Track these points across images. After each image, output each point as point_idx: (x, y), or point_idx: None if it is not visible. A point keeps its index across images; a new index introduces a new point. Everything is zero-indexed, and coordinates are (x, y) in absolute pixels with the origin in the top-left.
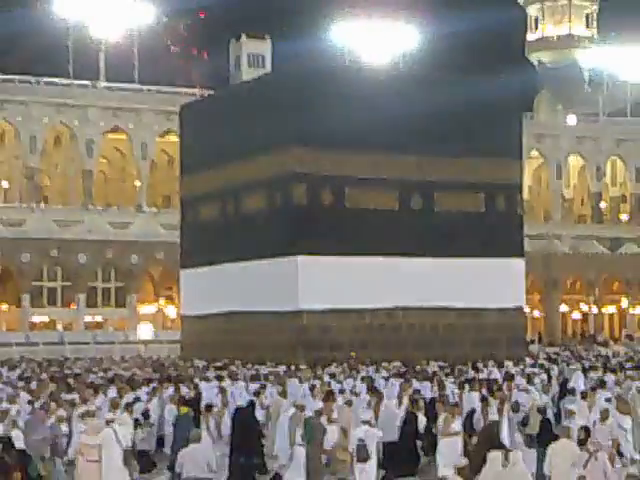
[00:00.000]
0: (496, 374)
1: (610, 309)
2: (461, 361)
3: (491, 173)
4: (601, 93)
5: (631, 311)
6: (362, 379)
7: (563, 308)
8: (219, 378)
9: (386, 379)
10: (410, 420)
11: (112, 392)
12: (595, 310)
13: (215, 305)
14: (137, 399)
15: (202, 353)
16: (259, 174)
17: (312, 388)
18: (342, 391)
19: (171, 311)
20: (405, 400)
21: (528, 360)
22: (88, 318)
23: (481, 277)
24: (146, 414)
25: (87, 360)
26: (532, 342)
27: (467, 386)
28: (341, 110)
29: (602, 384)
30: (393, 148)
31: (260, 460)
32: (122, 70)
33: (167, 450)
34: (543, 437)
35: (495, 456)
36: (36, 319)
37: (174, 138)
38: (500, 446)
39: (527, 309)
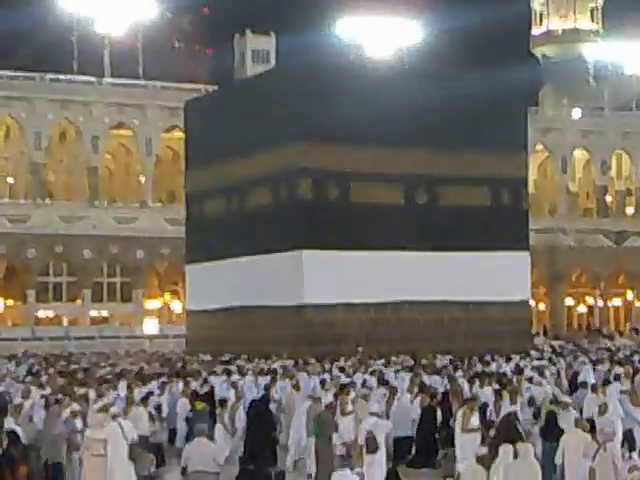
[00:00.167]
0: (505, 368)
1: (615, 302)
2: (467, 354)
3: (496, 167)
4: (606, 87)
5: (637, 304)
6: (371, 373)
7: (568, 301)
8: (228, 372)
9: (396, 372)
10: (428, 413)
11: (122, 387)
12: (601, 303)
13: (220, 300)
14: (150, 393)
15: (207, 348)
16: (264, 169)
17: (322, 382)
18: (353, 384)
19: (176, 306)
20: (415, 392)
21: (534, 353)
22: (94, 313)
23: (486, 271)
24: (159, 408)
25: (91, 355)
26: (537, 334)
27: (477, 380)
28: (346, 105)
29: (616, 377)
30: (398, 143)
31: (272, 455)
32: (127, 66)
33: (180, 444)
34: (549, 430)
35: (506, 449)
36: (42, 314)
37: (179, 134)
38: (519, 437)
39: (532, 302)
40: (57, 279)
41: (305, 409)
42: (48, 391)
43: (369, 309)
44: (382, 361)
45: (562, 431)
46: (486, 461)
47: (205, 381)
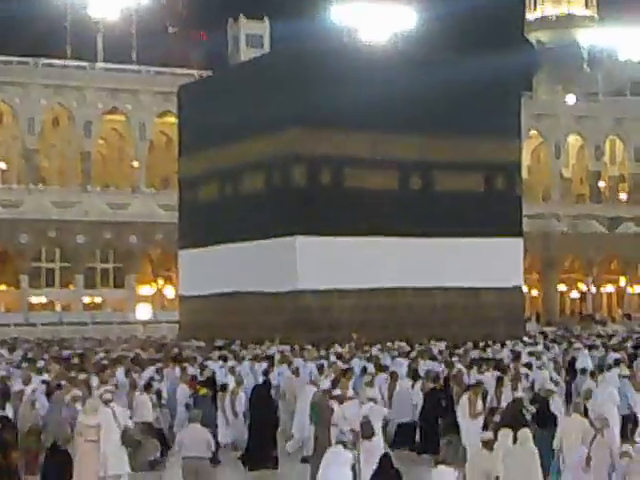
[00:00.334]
0: (502, 353)
1: (608, 288)
2: (460, 340)
3: (490, 153)
4: (600, 72)
5: (629, 290)
6: (368, 359)
7: (561, 287)
8: (224, 358)
9: (392, 358)
10: (431, 398)
11: (120, 372)
12: (593, 289)
13: (213, 285)
14: (152, 379)
15: (200, 333)
16: (258, 155)
17: (320, 368)
18: (350, 370)
19: (169, 292)
20: (414, 377)
21: (526, 339)
22: (86, 299)
23: (480, 257)
24: (159, 394)
25: (84, 340)
26: (528, 320)
27: (475, 366)
28: (340, 90)
29: (616, 363)
30: (392, 128)
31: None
32: (120, 51)
33: (178, 430)
34: (542, 416)
35: (505, 433)
36: (34, 300)
37: (172, 119)
38: (525, 424)
39: (525, 288)
40: (50, 265)
41: (309, 395)
42: (47, 377)
43: (363, 295)
44: (378, 347)
45: (555, 417)
46: (491, 446)
47: (204, 367)
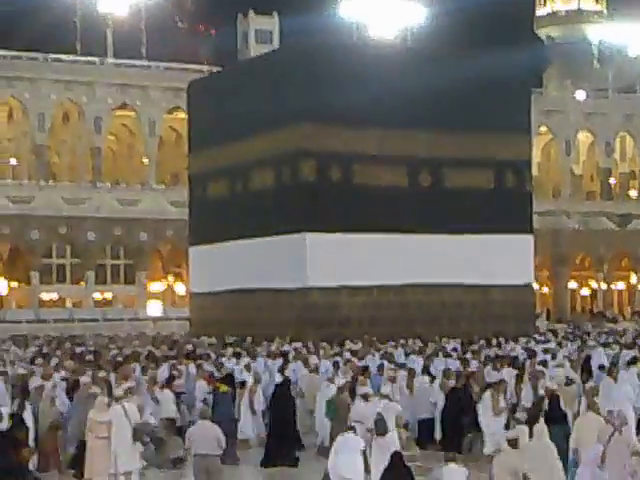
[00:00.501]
0: (518, 351)
1: (619, 285)
2: (470, 337)
3: (500, 149)
4: (610, 68)
5: None
6: (382, 356)
7: (572, 285)
8: (237, 355)
9: (406, 355)
10: (454, 396)
11: (136, 369)
12: (604, 286)
13: (224, 282)
14: (172, 376)
15: (211, 330)
16: (267, 151)
17: (335, 365)
18: (367, 368)
19: (180, 288)
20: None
21: (537, 336)
22: (97, 295)
23: (490, 254)
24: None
25: (95, 337)
26: (537, 317)
27: (491, 363)
28: (349, 86)
29: (634, 360)
30: (402, 124)
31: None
32: (130, 46)
33: None
34: (553, 414)
35: (522, 428)
36: (45, 296)
37: (182, 115)
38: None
39: (536, 286)
40: (60, 261)
41: (329, 393)
42: (65, 374)
43: (372, 292)
44: (392, 344)
45: (565, 414)
46: (517, 443)
47: (221, 364)
